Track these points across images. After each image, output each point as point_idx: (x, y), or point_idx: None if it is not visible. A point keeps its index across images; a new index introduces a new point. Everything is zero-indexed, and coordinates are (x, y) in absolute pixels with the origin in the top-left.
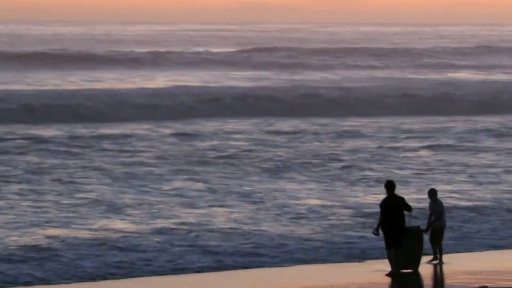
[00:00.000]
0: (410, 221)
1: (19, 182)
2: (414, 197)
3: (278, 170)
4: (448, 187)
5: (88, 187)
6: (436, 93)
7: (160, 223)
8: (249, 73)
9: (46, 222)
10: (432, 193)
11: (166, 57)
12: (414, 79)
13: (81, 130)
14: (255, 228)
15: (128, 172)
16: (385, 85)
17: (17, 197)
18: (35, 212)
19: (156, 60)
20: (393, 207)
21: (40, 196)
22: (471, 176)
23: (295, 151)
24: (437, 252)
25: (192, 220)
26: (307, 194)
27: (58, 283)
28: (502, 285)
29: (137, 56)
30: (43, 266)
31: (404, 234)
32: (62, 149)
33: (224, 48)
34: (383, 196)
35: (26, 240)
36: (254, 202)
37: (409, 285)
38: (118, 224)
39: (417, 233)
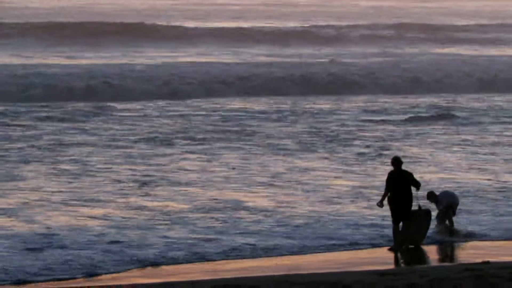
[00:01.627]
0: (418, 202)
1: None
2: None
3: None
4: None
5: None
6: None
7: None
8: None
9: None
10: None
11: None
12: None
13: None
14: None
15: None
16: None
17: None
18: None
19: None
20: (401, 181)
21: None
22: None
23: None
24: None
25: None
26: None
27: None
28: (504, 260)
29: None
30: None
31: (413, 216)
32: None
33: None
34: None
35: None
36: None
37: (412, 260)
38: None
39: (424, 212)
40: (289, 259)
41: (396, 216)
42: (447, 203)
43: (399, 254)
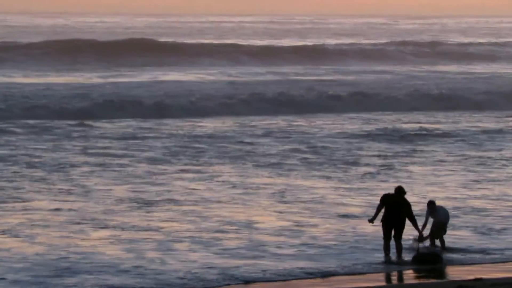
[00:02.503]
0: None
1: None
2: None
3: None
4: None
5: None
6: None
7: None
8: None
9: None
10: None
11: None
12: None
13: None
14: None
15: None
16: None
17: None
18: None
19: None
20: (397, 205)
21: None
22: None
23: None
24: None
25: None
26: None
27: None
28: (496, 277)
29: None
30: None
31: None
32: None
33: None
34: None
35: None
36: None
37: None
38: None
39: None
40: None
41: (387, 234)
42: (442, 220)
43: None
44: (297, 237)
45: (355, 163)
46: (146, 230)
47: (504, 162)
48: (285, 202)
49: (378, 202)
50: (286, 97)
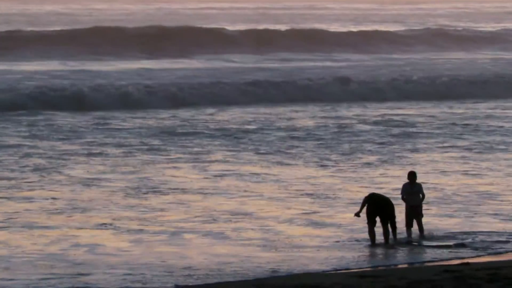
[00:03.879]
0: None
1: None
2: None
3: None
4: None
5: None
6: None
7: None
8: None
9: None
10: (413, 176)
11: None
12: None
13: None
14: None
15: None
16: None
17: None
18: None
19: None
20: (381, 208)
21: None
22: None
23: None
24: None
25: None
26: None
27: None
28: (483, 261)
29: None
30: None
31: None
32: None
33: None
34: None
35: None
36: None
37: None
38: None
39: None
40: None
41: (372, 218)
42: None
43: (379, 255)
44: None
45: None
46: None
47: None
48: None
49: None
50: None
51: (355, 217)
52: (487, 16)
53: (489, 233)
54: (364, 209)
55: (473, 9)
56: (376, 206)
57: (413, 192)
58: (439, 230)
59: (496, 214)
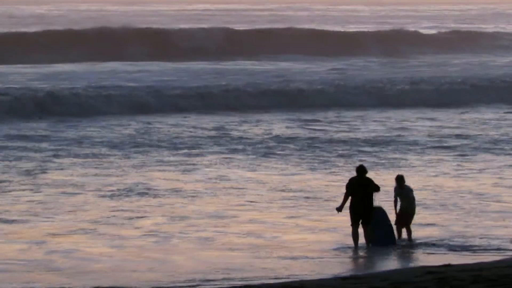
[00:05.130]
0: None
1: None
2: None
3: None
4: None
5: None
6: None
7: None
8: None
9: None
10: (400, 179)
11: None
12: None
13: None
14: None
15: None
16: None
17: None
18: None
19: None
20: (363, 186)
21: None
22: None
23: None
24: (401, 235)
25: None
26: None
27: None
28: (465, 262)
29: None
30: None
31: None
32: None
33: None
34: None
35: None
36: None
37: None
38: None
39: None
40: None
41: (355, 218)
42: (413, 198)
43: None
44: None
45: None
46: None
47: None
48: None
49: None
50: None
51: (337, 211)
52: None
53: (473, 234)
54: (348, 203)
55: None
56: (359, 185)
57: (402, 195)
58: (422, 237)
59: (480, 216)
